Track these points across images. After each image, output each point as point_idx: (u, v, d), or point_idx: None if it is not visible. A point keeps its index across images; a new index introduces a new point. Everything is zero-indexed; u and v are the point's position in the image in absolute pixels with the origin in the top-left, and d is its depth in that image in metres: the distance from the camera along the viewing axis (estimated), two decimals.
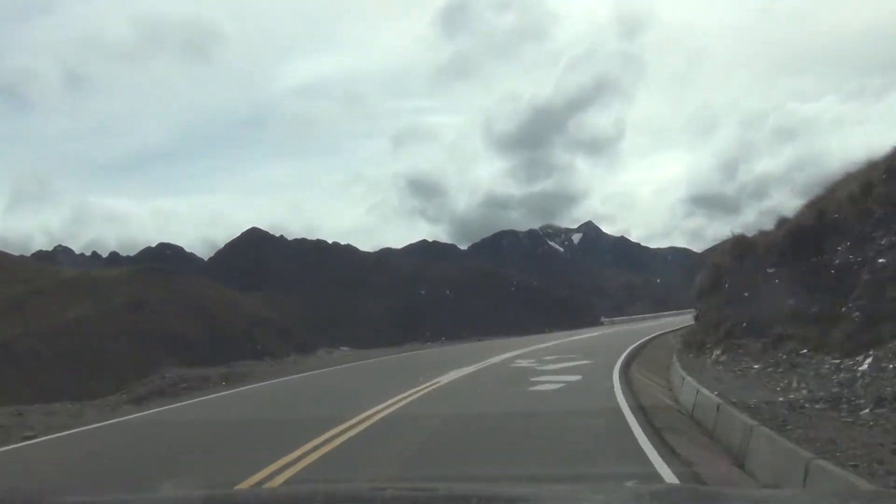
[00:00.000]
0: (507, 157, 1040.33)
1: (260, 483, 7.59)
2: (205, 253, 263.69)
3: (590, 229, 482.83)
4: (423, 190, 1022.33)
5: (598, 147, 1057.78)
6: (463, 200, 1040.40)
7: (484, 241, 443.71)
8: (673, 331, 34.27)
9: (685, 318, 43.00)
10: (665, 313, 66.72)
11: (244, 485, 7.44)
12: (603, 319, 49.30)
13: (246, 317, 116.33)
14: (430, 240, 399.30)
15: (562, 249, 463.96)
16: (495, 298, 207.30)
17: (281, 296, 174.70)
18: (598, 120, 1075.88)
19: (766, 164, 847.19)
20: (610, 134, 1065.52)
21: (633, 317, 57.34)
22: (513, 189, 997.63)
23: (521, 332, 47.14)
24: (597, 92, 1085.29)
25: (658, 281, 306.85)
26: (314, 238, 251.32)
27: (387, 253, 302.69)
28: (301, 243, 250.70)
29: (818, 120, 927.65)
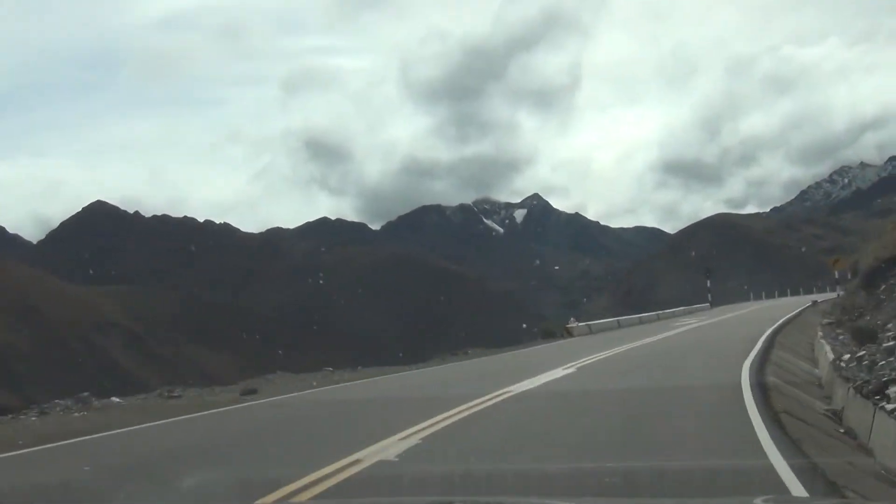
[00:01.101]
0: (431, 111, 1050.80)
1: None
2: (33, 234, 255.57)
3: (537, 204, 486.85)
4: (324, 153, 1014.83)
5: (547, 99, 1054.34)
6: (375, 167, 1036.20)
7: (402, 219, 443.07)
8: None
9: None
10: (676, 313, 64.52)
11: None
12: (573, 324, 44.76)
13: (88, 319, 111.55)
14: (333, 217, 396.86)
15: (501, 229, 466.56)
16: (414, 293, 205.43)
17: (135, 292, 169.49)
18: (547, 64, 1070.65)
19: (756, 122, 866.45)
20: (562, 82, 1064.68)
21: (622, 319, 54.61)
22: (439, 153, 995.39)
23: (427, 355, 41.87)
24: (546, 28, 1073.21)
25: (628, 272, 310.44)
26: (180, 215, 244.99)
27: (276, 234, 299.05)
28: (162, 222, 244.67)
29: (819, 67, 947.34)
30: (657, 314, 58.70)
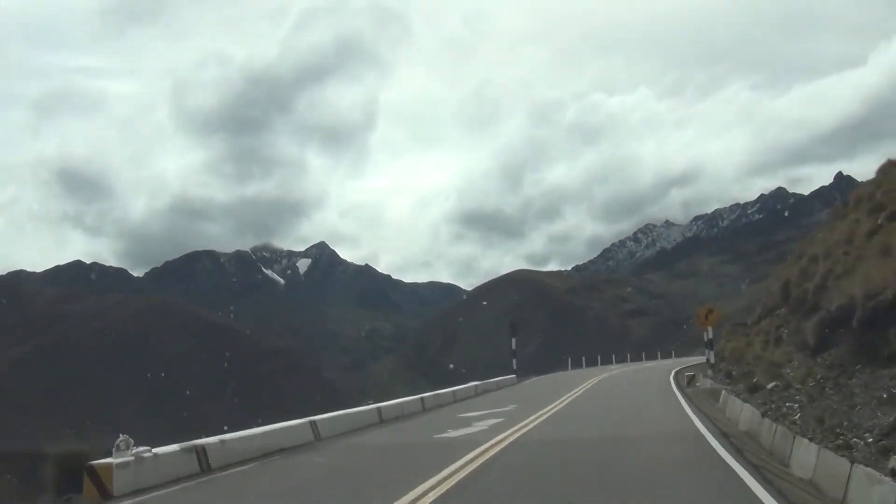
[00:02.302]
0: (207, 144, 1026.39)
1: None
2: None
3: (322, 253, 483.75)
4: (80, 186, 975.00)
5: (338, 138, 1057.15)
6: (140, 205, 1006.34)
7: (170, 265, 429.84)
8: None
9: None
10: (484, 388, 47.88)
11: None
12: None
13: None
14: (88, 261, 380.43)
15: (282, 280, 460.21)
16: (174, 351, 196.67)
17: None
18: (340, 99, 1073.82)
19: (560, 172, 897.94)
20: (356, 120, 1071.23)
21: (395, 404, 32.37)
22: (215, 192, 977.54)
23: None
24: (340, 59, 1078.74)
25: (418, 331, 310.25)
26: None
27: (17, 279, 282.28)
28: None
29: (627, 118, 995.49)
30: (452, 392, 36.74)
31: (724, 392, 29.01)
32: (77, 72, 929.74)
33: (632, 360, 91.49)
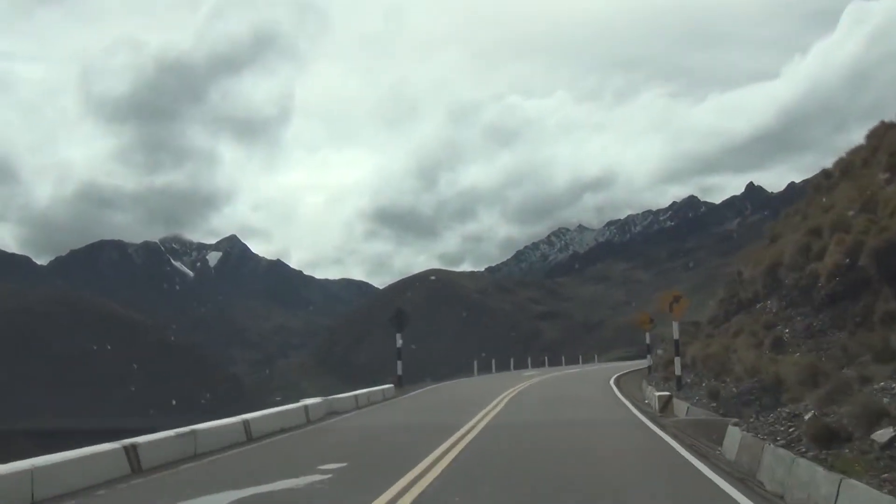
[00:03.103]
0: (116, 131, 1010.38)
1: None
2: None
3: (233, 247, 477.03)
4: None
5: (252, 130, 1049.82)
6: (45, 191, 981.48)
7: (74, 254, 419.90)
8: None
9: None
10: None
11: None
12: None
13: None
14: None
15: (191, 273, 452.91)
16: (73, 342, 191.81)
17: None
18: (255, 91, 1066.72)
19: (476, 174, 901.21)
20: (271, 113, 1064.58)
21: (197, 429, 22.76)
22: (123, 180, 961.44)
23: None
24: (256, 50, 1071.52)
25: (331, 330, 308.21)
26: None
27: None
28: None
29: (544, 121, 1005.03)
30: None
31: (768, 448, 13.44)
32: None
33: (550, 365, 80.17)
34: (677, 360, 31.60)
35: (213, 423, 19.51)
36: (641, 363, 55.89)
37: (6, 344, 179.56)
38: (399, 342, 44.85)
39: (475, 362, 64.00)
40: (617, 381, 44.41)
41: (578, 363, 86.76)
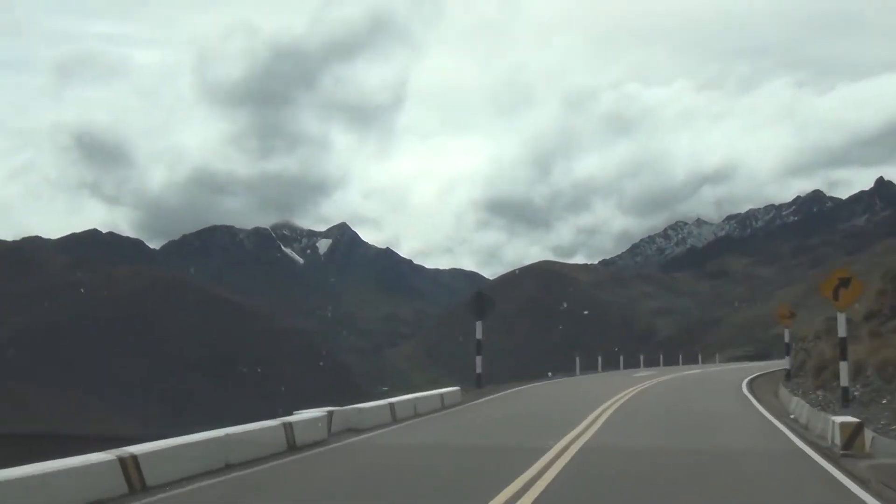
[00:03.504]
0: (230, 116, 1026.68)
1: None
2: None
3: (343, 235, 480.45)
4: (99, 154, 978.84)
5: (365, 117, 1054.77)
6: (159, 176, 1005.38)
7: (187, 239, 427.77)
8: None
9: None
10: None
11: None
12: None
13: None
14: (105, 230, 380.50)
15: (301, 260, 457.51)
16: (183, 327, 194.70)
17: None
18: (368, 77, 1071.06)
19: (591, 164, 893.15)
20: (384, 99, 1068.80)
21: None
22: (237, 166, 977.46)
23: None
24: (371, 36, 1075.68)
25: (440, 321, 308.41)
26: None
27: (31, 245, 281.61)
28: None
29: (663, 110, 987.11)
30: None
31: None
32: (99, 38, 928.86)
33: (666, 363, 73.11)
34: (844, 366, 23.85)
35: None
36: (769, 365, 52.21)
37: (119, 328, 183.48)
38: (479, 333, 37.57)
39: (577, 359, 55.32)
40: (751, 388, 36.89)
41: (698, 363, 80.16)
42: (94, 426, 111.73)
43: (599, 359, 60.36)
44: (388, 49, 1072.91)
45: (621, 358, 65.70)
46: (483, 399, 31.24)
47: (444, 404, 26.93)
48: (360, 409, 21.06)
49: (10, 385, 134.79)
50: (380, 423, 21.43)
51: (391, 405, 22.86)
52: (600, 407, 25.64)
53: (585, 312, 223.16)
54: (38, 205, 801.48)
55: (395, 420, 22.45)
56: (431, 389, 28.78)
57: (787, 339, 41.59)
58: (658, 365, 71.05)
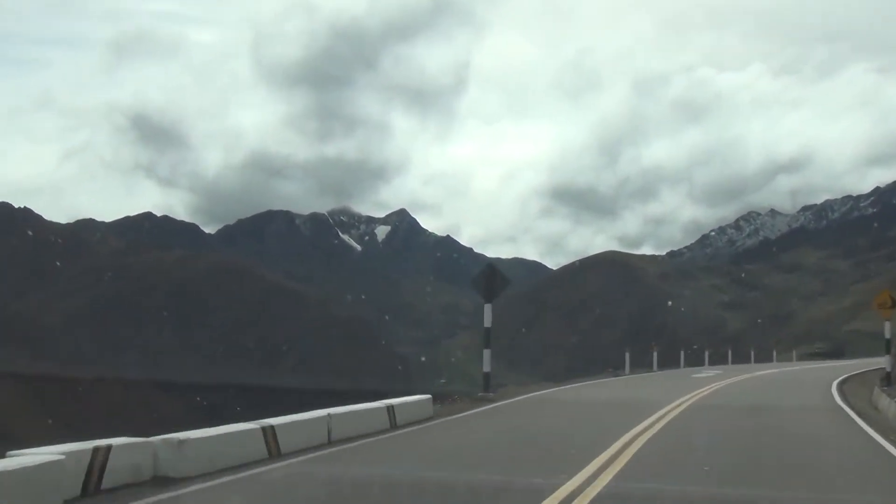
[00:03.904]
0: (287, 98, 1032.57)
1: None
2: None
3: (402, 221, 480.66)
4: (154, 135, 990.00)
5: (426, 100, 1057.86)
6: (215, 158, 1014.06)
7: (242, 223, 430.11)
8: None
9: None
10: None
11: None
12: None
13: None
14: (159, 213, 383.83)
15: (359, 247, 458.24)
16: (235, 313, 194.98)
17: None
18: (430, 58, 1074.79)
19: (660, 150, 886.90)
20: (445, 82, 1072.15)
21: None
22: (294, 149, 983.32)
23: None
24: (432, 15, 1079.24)
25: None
26: None
27: (86, 227, 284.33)
28: None
29: (736, 96, 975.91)
30: None
31: None
32: (155, 16, 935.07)
33: (735, 361, 66.51)
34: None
35: None
36: (851, 365, 49.43)
37: (173, 312, 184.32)
38: (488, 319, 28.99)
39: (626, 356, 49.11)
40: (844, 397, 29.98)
41: (772, 360, 73.20)
42: (149, 412, 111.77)
43: (655, 355, 52.51)
44: (450, 29, 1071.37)
45: (682, 354, 58.11)
46: (481, 409, 24.78)
47: (396, 423, 19.69)
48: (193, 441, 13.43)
49: (60, 369, 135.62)
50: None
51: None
52: (635, 428, 19.03)
53: (670, 303, 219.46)
54: (92, 186, 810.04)
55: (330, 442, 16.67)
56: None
57: (887, 335, 34.93)
58: (726, 362, 65.36)
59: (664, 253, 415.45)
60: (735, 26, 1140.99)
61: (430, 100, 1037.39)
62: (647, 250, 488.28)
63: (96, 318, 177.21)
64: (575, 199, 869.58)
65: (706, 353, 62.52)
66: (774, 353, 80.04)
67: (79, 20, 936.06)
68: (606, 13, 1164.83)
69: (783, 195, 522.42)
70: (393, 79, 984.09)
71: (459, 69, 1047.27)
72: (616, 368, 49.56)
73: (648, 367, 51.60)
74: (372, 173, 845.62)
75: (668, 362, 55.96)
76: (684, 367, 55.78)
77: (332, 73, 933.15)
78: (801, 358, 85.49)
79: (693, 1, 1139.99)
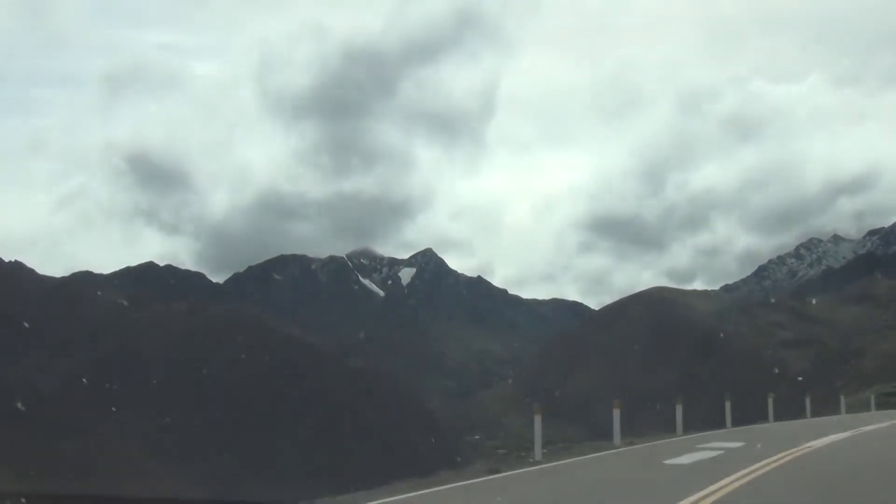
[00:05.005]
0: (299, 130, 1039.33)
1: None
2: None
3: (429, 262, 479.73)
4: (155, 177, 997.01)
5: (451, 127, 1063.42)
6: (221, 200, 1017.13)
7: (253, 270, 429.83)
8: None
9: None
10: None
11: None
12: None
13: None
14: (162, 263, 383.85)
15: (382, 292, 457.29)
16: (248, 372, 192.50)
17: None
18: (455, 82, 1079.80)
19: (710, 174, 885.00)
20: (473, 107, 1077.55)
21: None
22: (307, 186, 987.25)
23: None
24: (456, 34, 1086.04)
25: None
26: None
27: (82, 280, 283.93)
28: None
29: (793, 111, 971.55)
30: None
31: None
32: (153, 48, 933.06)
33: (778, 417, 48.54)
34: None
35: None
36: None
37: (175, 375, 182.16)
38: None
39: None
40: None
41: (840, 412, 58.58)
42: (150, 486, 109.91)
43: (680, 409, 39.34)
44: (476, 49, 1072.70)
45: (728, 406, 42.72)
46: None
47: None
48: None
49: (51, 438, 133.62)
50: None
51: None
52: None
53: (694, 341, 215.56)
54: (88, 236, 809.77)
55: None
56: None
57: None
58: (765, 419, 48.21)
59: (718, 287, 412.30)
60: (790, 33, 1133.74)
61: (456, 127, 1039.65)
62: (698, 285, 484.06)
63: (93, 380, 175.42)
64: (617, 231, 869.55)
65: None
66: (843, 400, 63.81)
67: (70, 54, 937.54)
68: (646, 24, 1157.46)
69: (847, 219, 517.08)
70: (414, 105, 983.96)
71: (487, 92, 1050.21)
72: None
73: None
74: (394, 210, 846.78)
75: (693, 423, 42.42)
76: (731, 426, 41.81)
77: (346, 101, 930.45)
78: (883, 404, 68.73)
79: (743, 6, 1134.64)
